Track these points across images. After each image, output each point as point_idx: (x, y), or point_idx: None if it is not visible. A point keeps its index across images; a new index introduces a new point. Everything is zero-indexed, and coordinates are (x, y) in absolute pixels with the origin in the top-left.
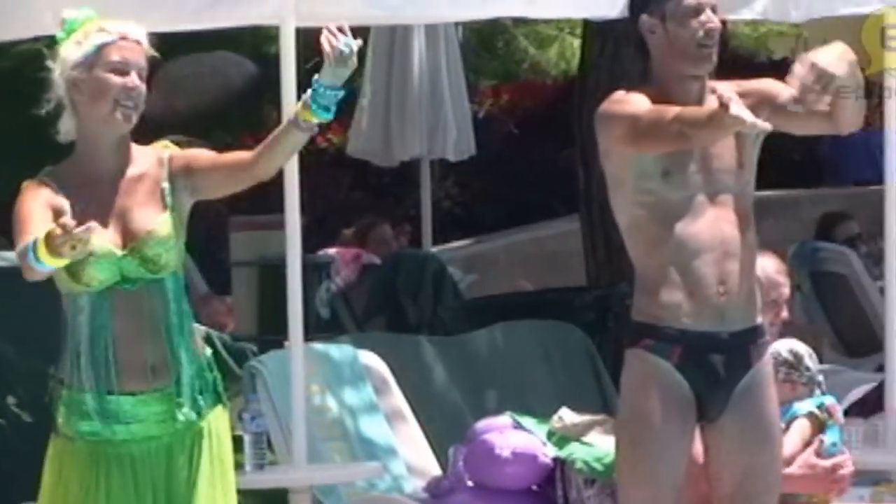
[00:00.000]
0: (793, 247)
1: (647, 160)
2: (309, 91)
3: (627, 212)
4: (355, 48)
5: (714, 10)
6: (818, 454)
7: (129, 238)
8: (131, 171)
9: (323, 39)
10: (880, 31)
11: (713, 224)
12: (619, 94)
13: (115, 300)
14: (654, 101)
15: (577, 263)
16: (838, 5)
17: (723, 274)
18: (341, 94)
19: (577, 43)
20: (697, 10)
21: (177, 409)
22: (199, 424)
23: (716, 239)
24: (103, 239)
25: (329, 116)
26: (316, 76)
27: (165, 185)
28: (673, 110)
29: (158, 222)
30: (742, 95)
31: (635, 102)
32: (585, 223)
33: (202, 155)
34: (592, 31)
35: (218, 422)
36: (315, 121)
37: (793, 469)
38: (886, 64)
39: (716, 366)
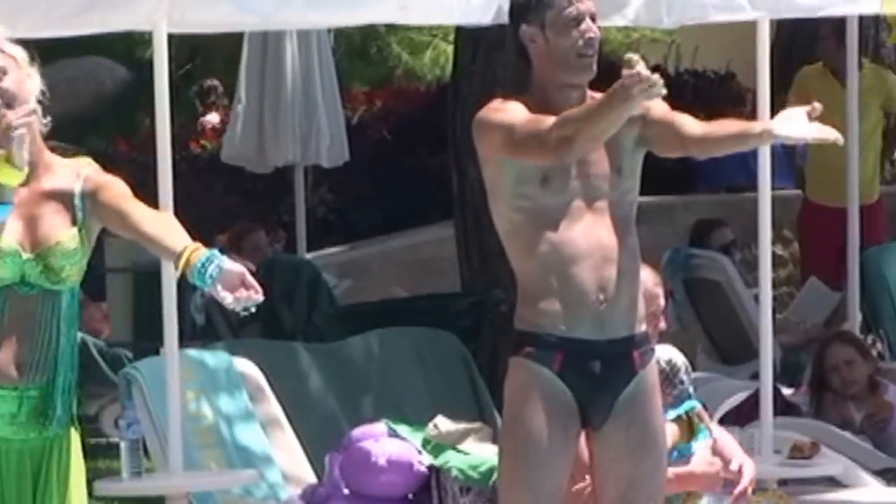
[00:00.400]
0: (666, 253)
1: (525, 166)
2: (195, 265)
3: (506, 217)
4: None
5: (594, 18)
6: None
7: (37, 244)
8: (48, 181)
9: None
10: None
11: (590, 230)
12: (497, 103)
13: (7, 299)
14: (533, 109)
15: (451, 269)
16: (710, 12)
17: (602, 280)
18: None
19: (450, 49)
20: (577, 20)
21: (40, 419)
22: (62, 437)
23: (593, 245)
24: (11, 238)
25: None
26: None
27: (78, 202)
28: (551, 119)
29: (67, 235)
30: None
31: (512, 111)
32: (459, 229)
33: (111, 190)
34: (465, 37)
35: (71, 442)
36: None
37: (692, 467)
38: None
39: (597, 373)
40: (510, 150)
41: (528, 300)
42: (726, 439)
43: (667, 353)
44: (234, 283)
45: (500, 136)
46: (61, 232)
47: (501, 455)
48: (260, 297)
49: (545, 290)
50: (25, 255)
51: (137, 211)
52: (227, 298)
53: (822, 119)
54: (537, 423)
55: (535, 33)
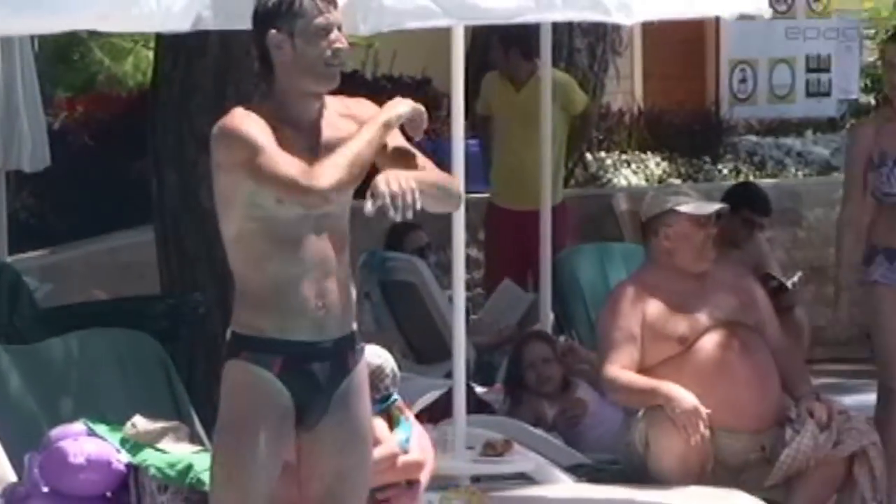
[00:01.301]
0: (362, 256)
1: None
2: None
3: (236, 224)
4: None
5: (340, 29)
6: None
7: None
8: None
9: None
10: None
11: (315, 244)
12: (241, 112)
13: None
14: (270, 120)
15: (151, 273)
16: (405, 19)
17: (322, 290)
18: None
19: (151, 55)
20: (327, 30)
21: None
22: None
23: (317, 258)
24: None
25: None
26: None
27: None
28: (314, 170)
29: None
30: (348, 116)
31: (258, 129)
32: (159, 234)
33: None
34: (165, 44)
35: None
36: None
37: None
38: None
39: (317, 374)
40: (252, 172)
41: (250, 305)
42: (419, 434)
43: (377, 356)
44: None
45: (245, 152)
46: None
47: (215, 454)
48: None
49: (269, 297)
50: None
51: None
52: None
53: (502, 124)
54: (253, 424)
55: (283, 40)
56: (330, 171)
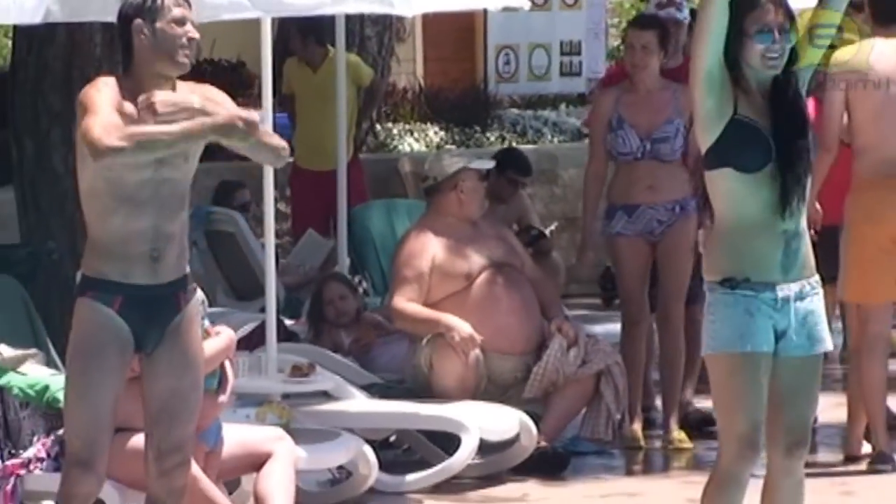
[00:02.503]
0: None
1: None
2: None
3: (88, 182)
4: None
5: (193, 24)
6: None
7: None
8: None
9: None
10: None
11: (155, 204)
12: (100, 80)
13: None
14: (126, 93)
15: (12, 225)
16: (221, 11)
17: (158, 242)
18: None
19: (10, 43)
20: (182, 21)
21: None
22: None
23: (156, 216)
24: None
25: None
26: None
27: None
28: (114, 131)
29: None
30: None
31: (99, 98)
32: (18, 192)
33: None
34: (20, 33)
35: None
36: None
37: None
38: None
39: (151, 310)
40: (88, 132)
41: (96, 252)
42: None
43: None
44: None
45: (80, 113)
46: None
47: (67, 377)
48: None
49: (113, 247)
50: None
51: None
52: None
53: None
54: (98, 352)
55: (145, 27)
56: (123, 138)
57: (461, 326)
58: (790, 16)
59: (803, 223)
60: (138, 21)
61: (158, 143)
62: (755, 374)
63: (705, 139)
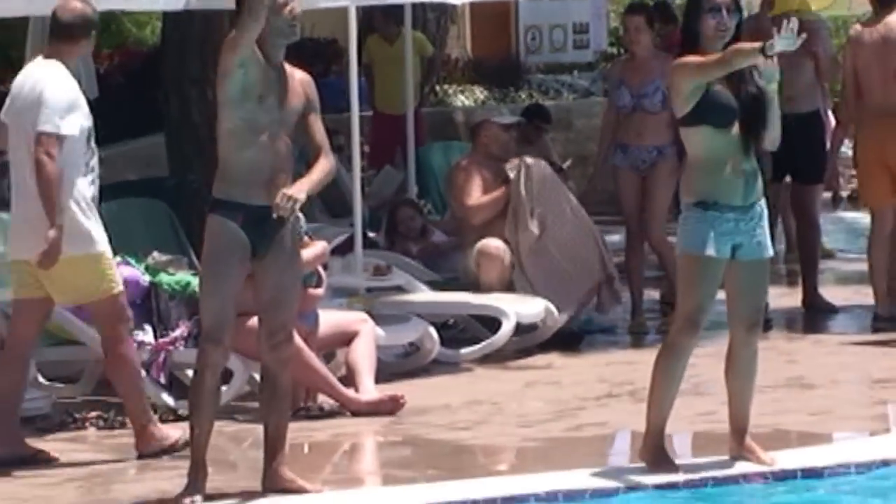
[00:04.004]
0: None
1: (248, 87)
2: None
3: (230, 122)
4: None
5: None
6: None
7: None
8: None
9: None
10: None
11: (276, 141)
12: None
13: None
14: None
15: (163, 163)
16: (319, 1)
17: (275, 171)
18: None
19: (159, 24)
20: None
21: None
22: None
23: (275, 149)
24: None
25: None
26: None
27: None
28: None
29: None
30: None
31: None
32: (167, 137)
33: None
34: (167, 17)
35: None
36: None
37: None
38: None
39: (264, 225)
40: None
41: (226, 180)
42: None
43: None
44: None
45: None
46: None
47: (201, 275)
48: None
49: (240, 174)
50: None
51: None
52: None
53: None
54: (224, 256)
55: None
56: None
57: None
58: (736, 1)
59: (754, 162)
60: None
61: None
62: (710, 272)
63: (685, 108)
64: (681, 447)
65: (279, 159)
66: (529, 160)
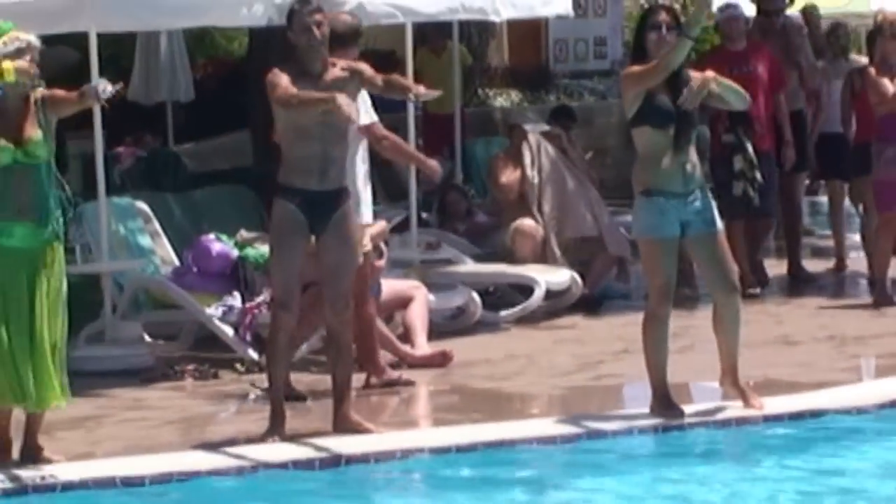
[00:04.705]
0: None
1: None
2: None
3: (283, 123)
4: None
5: (320, 26)
6: None
7: (22, 142)
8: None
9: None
10: None
11: (325, 138)
12: (275, 70)
13: (14, 171)
14: (292, 72)
15: (248, 155)
16: (380, 19)
17: (326, 162)
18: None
19: (245, 39)
20: (310, 27)
21: (42, 231)
22: (51, 244)
23: (325, 145)
24: (2, 141)
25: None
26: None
27: (41, 115)
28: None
29: (36, 134)
30: (346, 68)
31: (281, 77)
32: (252, 133)
33: (54, 94)
34: (253, 33)
35: (56, 252)
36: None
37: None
38: None
39: (320, 207)
40: (273, 95)
41: (286, 169)
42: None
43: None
44: (102, 85)
45: (271, 87)
46: (33, 132)
47: (270, 250)
48: (111, 87)
49: (298, 164)
50: (13, 148)
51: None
52: (109, 87)
53: (430, 74)
54: (287, 233)
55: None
56: (293, 97)
57: None
58: (676, 18)
59: (694, 155)
60: (289, 33)
61: (307, 102)
62: (666, 249)
63: (631, 111)
64: (682, 397)
65: (328, 151)
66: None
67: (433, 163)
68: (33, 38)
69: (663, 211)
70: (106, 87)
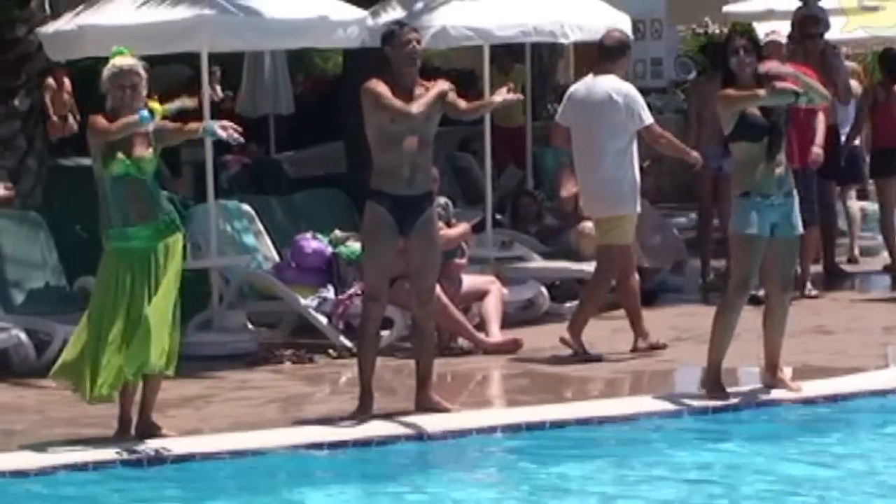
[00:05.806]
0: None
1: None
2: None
3: (375, 131)
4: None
5: (419, 42)
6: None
7: (134, 158)
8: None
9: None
10: None
11: (413, 143)
12: (373, 80)
13: (125, 183)
14: (390, 84)
15: (342, 163)
16: (459, 41)
17: (413, 168)
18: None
19: (340, 59)
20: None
21: (162, 228)
22: (172, 237)
23: (412, 151)
24: (120, 154)
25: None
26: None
27: (152, 137)
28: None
29: (147, 153)
30: (423, 86)
31: (380, 85)
32: (346, 144)
33: (162, 126)
34: (347, 53)
35: (178, 242)
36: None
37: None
38: None
39: (410, 209)
40: (374, 105)
41: (377, 174)
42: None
43: (440, 199)
44: (224, 127)
45: (371, 96)
46: (143, 151)
47: (364, 245)
48: (236, 135)
49: (388, 169)
50: (128, 162)
51: (170, 126)
52: (221, 132)
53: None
54: (378, 232)
55: (388, 50)
56: (412, 106)
57: None
58: (753, 42)
59: (784, 160)
60: (387, 48)
61: (427, 107)
62: (754, 247)
63: (728, 127)
64: (730, 380)
65: (415, 159)
66: None
67: (696, 154)
68: (141, 68)
69: (758, 210)
70: (232, 135)
